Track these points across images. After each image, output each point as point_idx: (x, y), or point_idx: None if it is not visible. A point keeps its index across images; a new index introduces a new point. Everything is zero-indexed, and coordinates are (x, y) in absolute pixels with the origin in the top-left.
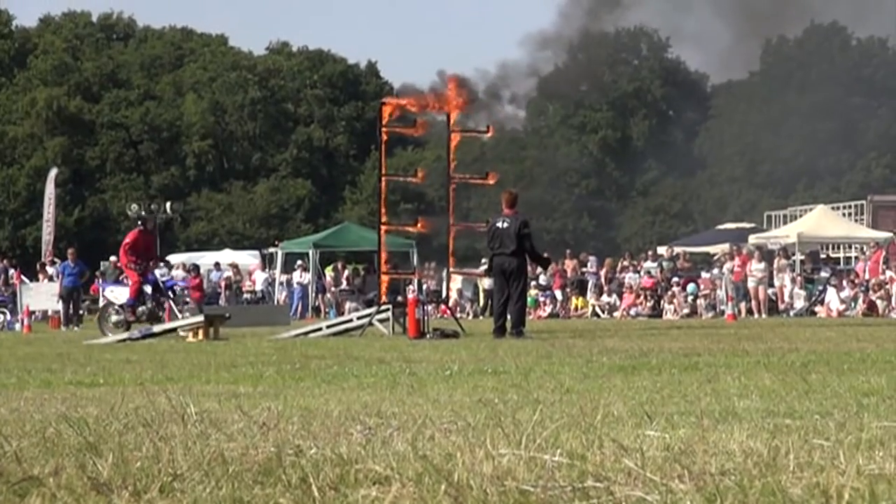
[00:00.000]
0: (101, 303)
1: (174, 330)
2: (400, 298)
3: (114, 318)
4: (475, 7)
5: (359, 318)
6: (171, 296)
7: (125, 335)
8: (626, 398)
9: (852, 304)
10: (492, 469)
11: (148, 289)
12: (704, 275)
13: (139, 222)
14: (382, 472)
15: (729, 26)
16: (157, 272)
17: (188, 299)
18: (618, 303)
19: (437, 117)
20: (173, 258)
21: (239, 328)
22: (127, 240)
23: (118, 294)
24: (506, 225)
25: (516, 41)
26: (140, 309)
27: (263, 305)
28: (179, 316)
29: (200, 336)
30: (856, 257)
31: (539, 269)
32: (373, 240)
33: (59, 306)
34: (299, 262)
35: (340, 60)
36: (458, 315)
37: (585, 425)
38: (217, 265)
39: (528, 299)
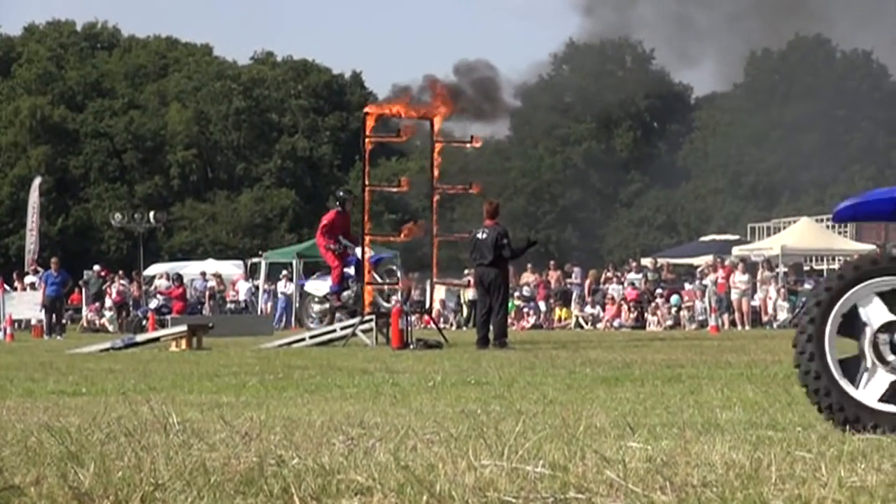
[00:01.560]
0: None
1: (157, 339)
2: (383, 309)
3: (316, 308)
4: (461, 17)
5: (342, 329)
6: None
7: (108, 345)
8: (609, 409)
9: None
10: (474, 480)
11: (350, 271)
12: (688, 286)
13: (336, 202)
14: (364, 482)
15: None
16: (357, 250)
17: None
18: (601, 314)
19: (421, 125)
20: (156, 268)
21: (222, 338)
22: (324, 221)
23: (318, 286)
24: (484, 236)
25: (503, 52)
26: (345, 294)
27: (246, 315)
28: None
29: (183, 345)
30: None
31: (524, 280)
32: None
33: (42, 315)
34: (284, 271)
35: (325, 70)
36: (442, 325)
37: (568, 436)
38: (203, 275)
39: (510, 306)
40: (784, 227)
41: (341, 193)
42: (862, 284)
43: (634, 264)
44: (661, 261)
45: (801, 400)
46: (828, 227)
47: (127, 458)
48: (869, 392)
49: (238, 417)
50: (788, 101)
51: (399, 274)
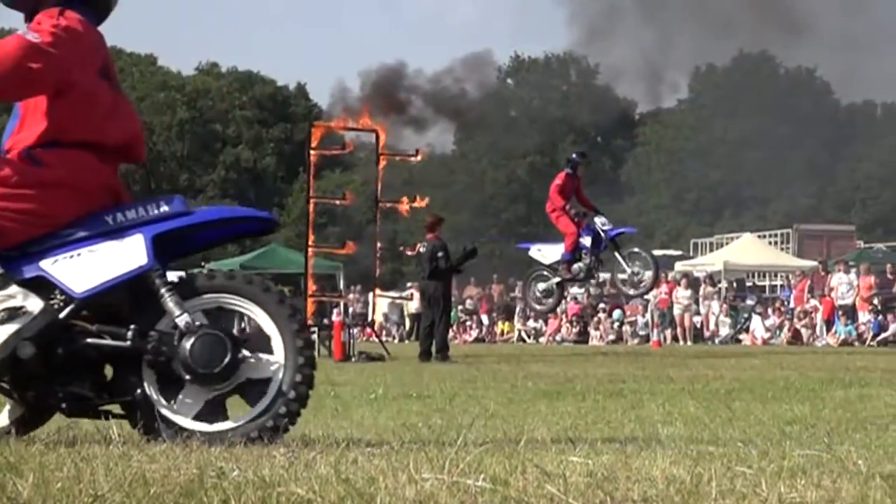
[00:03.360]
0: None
1: None
2: (326, 321)
3: (541, 285)
4: (407, 31)
5: None
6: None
7: None
8: (551, 424)
9: (777, 333)
10: (414, 493)
11: (587, 241)
12: (630, 301)
13: (568, 164)
14: (305, 495)
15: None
16: (598, 220)
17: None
18: (544, 328)
19: (366, 140)
20: None
21: None
22: (556, 181)
23: (547, 252)
24: (423, 249)
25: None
26: (576, 266)
27: None
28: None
29: None
30: (781, 285)
31: (467, 293)
32: (300, 262)
33: None
34: None
35: (270, 82)
36: (384, 338)
37: (509, 450)
38: None
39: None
40: (727, 243)
41: (574, 156)
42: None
43: None
44: (603, 275)
45: (741, 415)
46: (770, 243)
47: (66, 468)
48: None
49: None
50: (732, 117)
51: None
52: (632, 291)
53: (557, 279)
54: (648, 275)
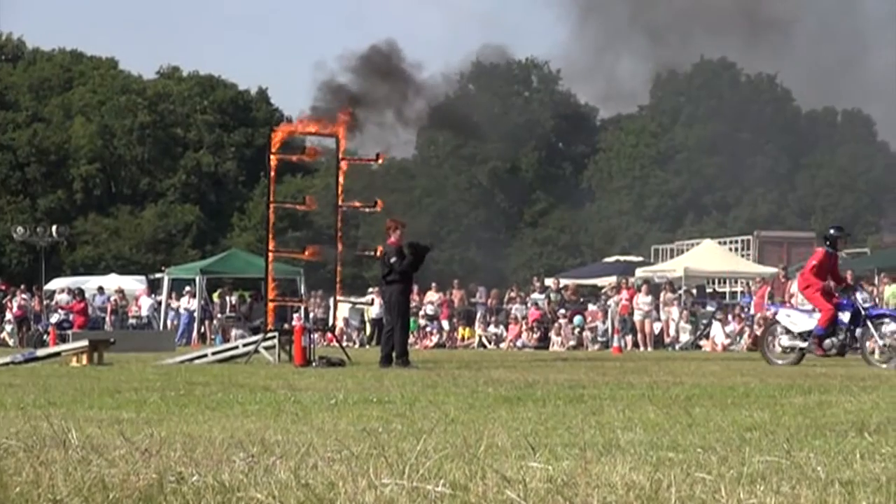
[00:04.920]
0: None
1: (58, 354)
2: (286, 326)
3: (784, 340)
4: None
5: (245, 346)
6: (872, 329)
7: (8, 359)
8: (511, 429)
9: (737, 339)
10: (374, 499)
11: (845, 317)
12: (591, 307)
13: (825, 240)
14: (264, 500)
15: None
16: (859, 296)
17: None
18: (504, 333)
19: (327, 144)
20: (58, 282)
21: (123, 353)
22: (813, 261)
23: (796, 320)
24: (383, 254)
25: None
26: (828, 342)
27: (149, 331)
28: None
29: (84, 361)
30: (741, 292)
31: (427, 299)
32: (260, 267)
33: None
34: (187, 287)
35: (231, 86)
36: (345, 343)
37: (469, 456)
38: (100, 289)
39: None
40: (687, 250)
41: (832, 231)
42: None
43: (538, 284)
44: (564, 281)
45: (701, 422)
46: (730, 249)
47: (25, 473)
48: None
49: (138, 434)
50: (693, 123)
51: None
52: (884, 365)
53: (802, 345)
54: None
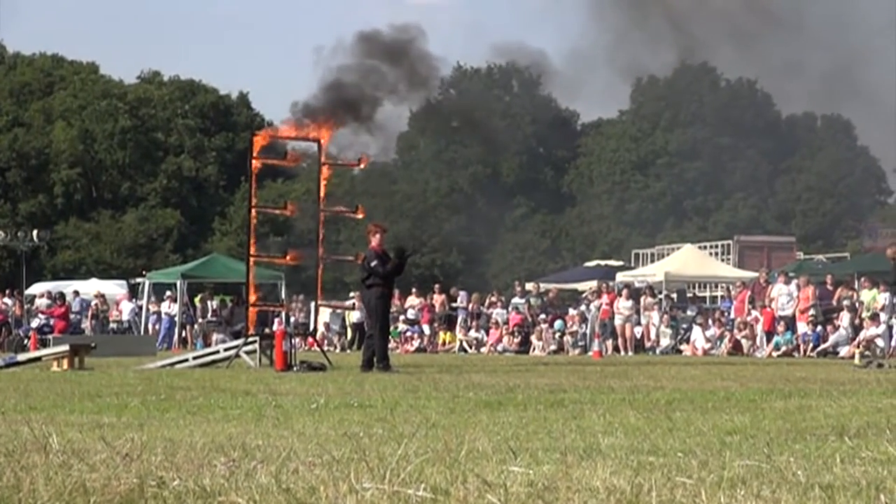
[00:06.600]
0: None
1: (39, 359)
2: (267, 330)
3: None
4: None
5: (226, 350)
6: None
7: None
8: (492, 434)
9: (717, 343)
10: (355, 503)
11: None
12: (572, 311)
13: None
14: None
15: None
16: None
17: None
18: (485, 338)
19: (309, 148)
20: (38, 287)
21: (105, 358)
22: None
23: None
24: (363, 258)
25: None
26: None
27: (130, 336)
28: None
29: (65, 365)
30: (722, 296)
31: (408, 303)
32: (241, 271)
33: None
34: (168, 292)
35: (212, 91)
36: (326, 348)
37: (450, 460)
38: (76, 293)
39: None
40: (668, 254)
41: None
42: None
43: (519, 289)
44: (545, 286)
45: (681, 426)
46: (710, 254)
47: (6, 478)
48: None
49: (119, 438)
50: (673, 128)
51: None
52: None
53: None
54: None
